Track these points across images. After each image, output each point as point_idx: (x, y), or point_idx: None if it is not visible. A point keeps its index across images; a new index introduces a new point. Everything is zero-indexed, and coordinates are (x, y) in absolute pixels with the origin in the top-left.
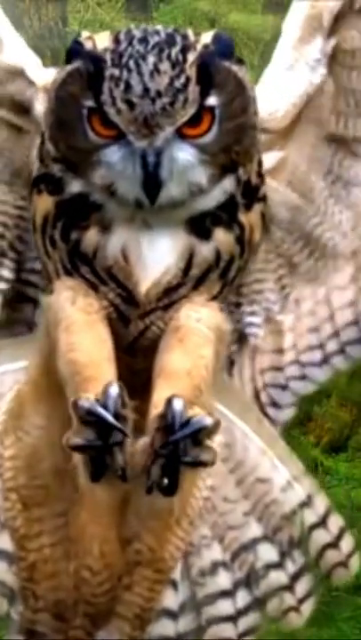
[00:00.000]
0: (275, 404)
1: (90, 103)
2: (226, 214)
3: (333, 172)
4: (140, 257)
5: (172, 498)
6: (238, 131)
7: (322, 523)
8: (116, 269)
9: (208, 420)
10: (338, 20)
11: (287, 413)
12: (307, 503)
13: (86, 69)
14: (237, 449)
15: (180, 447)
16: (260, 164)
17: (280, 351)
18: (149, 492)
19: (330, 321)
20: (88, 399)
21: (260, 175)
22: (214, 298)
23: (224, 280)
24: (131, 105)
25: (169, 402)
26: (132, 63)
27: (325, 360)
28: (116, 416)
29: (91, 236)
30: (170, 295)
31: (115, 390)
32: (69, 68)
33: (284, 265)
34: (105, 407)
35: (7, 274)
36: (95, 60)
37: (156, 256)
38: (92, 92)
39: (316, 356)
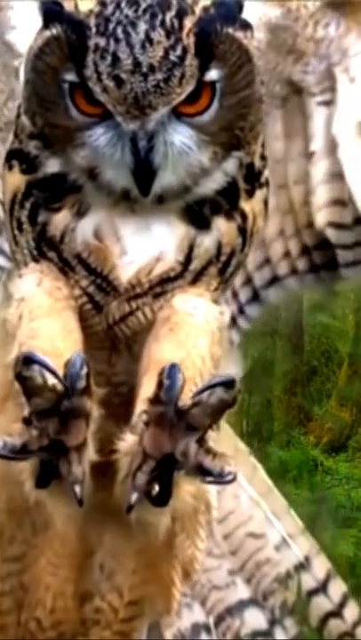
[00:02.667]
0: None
1: (71, 77)
2: (226, 201)
3: None
4: (118, 239)
5: (158, 531)
6: (243, 106)
7: (322, 588)
8: (86, 254)
9: (224, 393)
10: None
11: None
12: (304, 565)
13: (67, 37)
14: (226, 496)
15: (181, 439)
16: (263, 144)
17: None
18: (129, 510)
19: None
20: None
21: (263, 157)
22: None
23: (223, 276)
24: (119, 82)
25: (164, 370)
26: (120, 31)
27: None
28: (76, 389)
29: (60, 219)
30: (164, 285)
31: (79, 358)
32: (47, 34)
33: None
34: (66, 377)
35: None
36: (77, 25)
37: (144, 241)
38: (74, 65)
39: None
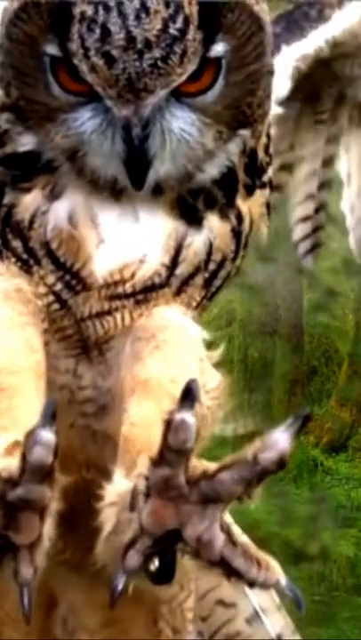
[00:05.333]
0: None
1: (53, 51)
2: (223, 194)
3: None
4: (96, 226)
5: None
6: (251, 81)
7: None
8: (56, 244)
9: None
10: None
11: None
12: None
13: (47, 2)
14: None
15: (193, 517)
16: (268, 135)
17: None
18: (114, 595)
19: None
20: None
21: (268, 152)
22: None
23: (207, 289)
24: (110, 60)
25: (171, 422)
26: None
27: None
28: (38, 473)
29: (30, 201)
30: (147, 294)
31: (47, 434)
32: None
33: None
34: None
35: None
36: None
37: (127, 230)
38: (57, 36)
39: None
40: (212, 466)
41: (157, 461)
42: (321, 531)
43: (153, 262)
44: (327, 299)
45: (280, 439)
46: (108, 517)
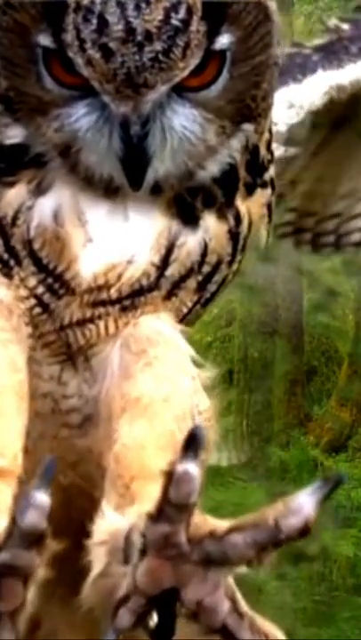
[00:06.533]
0: None
1: (46, 42)
2: (223, 192)
3: None
4: (83, 224)
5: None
6: (256, 73)
7: None
8: (39, 244)
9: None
10: None
11: None
12: None
13: None
14: None
15: (195, 579)
16: (270, 131)
17: None
18: None
19: None
20: None
21: (270, 149)
22: (179, 320)
23: (201, 294)
24: (107, 53)
25: (172, 473)
26: None
27: None
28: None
29: (14, 196)
30: (135, 299)
31: (42, 497)
32: None
33: None
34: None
35: None
36: None
37: (116, 229)
38: (50, 26)
39: None
40: (220, 524)
41: (156, 517)
42: (321, 531)
43: (142, 262)
44: (327, 299)
45: (306, 504)
46: (97, 558)
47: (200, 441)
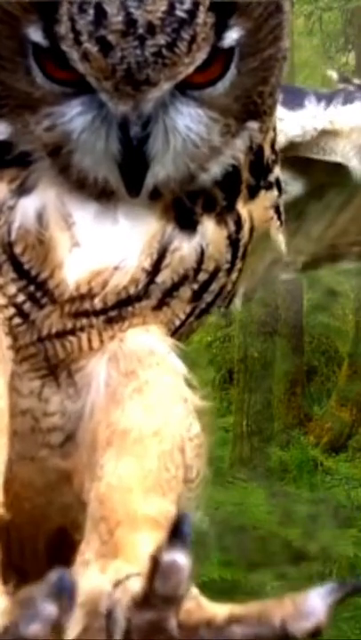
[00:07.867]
0: None
1: (37, 38)
2: (224, 196)
3: None
4: (70, 227)
5: None
6: (265, 68)
7: None
8: (20, 248)
9: None
10: None
11: None
12: None
13: None
14: None
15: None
16: (275, 129)
17: None
18: None
19: None
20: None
21: (274, 149)
22: (172, 334)
23: (196, 304)
24: (105, 47)
25: (158, 559)
26: None
27: None
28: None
29: None
30: (121, 309)
31: (49, 608)
32: None
33: None
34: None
35: None
36: None
37: (106, 233)
38: (42, 18)
39: None
40: (219, 611)
41: (141, 605)
42: (321, 531)
43: (130, 268)
44: (327, 299)
45: (318, 608)
46: (74, 619)
47: (187, 529)
